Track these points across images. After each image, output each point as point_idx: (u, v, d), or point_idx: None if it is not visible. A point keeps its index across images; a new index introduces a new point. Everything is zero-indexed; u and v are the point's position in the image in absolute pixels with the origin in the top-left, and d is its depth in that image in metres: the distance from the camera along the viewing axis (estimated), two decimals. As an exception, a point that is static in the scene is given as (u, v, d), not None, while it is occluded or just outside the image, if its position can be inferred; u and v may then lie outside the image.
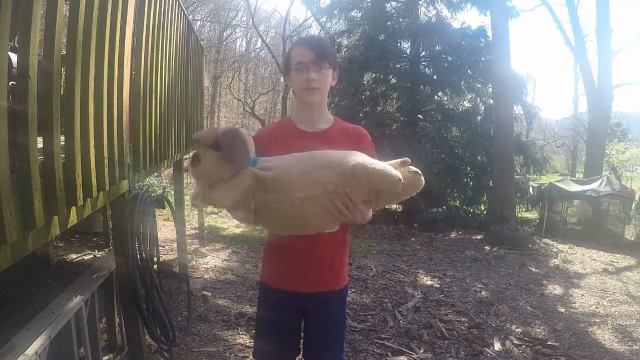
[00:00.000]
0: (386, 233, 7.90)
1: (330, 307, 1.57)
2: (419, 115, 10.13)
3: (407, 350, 3.28)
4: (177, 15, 3.57)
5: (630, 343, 3.67)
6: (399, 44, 10.36)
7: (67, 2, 1.59)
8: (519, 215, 9.72)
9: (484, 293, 4.81)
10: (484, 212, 9.33)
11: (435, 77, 10.03)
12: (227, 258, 5.58)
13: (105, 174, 1.89)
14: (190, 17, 12.32)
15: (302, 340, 1.63)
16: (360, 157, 1.22)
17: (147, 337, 2.54)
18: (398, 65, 10.40)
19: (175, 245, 5.33)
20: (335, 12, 10.78)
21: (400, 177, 1.16)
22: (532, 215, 10.20)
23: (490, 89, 9.57)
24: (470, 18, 45.99)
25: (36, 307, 2.32)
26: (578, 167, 22.06)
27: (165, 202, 2.78)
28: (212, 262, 5.30)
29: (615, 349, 3.55)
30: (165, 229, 6.59)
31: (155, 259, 2.54)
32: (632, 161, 15.09)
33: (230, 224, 7.53)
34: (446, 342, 3.46)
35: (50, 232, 1.43)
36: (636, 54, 62.57)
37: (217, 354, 3.04)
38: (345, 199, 1.17)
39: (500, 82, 8.46)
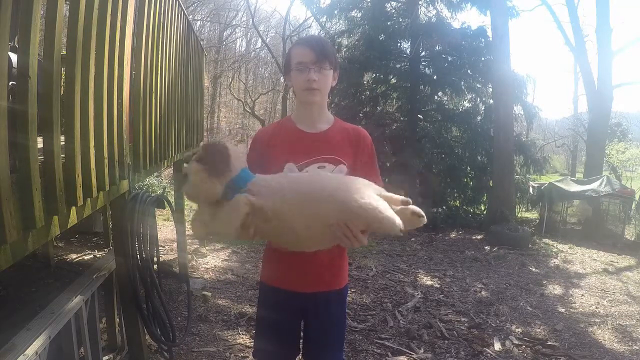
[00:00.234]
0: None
1: (330, 307, 1.57)
2: (419, 115, 10.13)
3: (407, 350, 3.28)
4: (177, 15, 3.57)
5: (630, 343, 3.67)
6: (399, 44, 10.35)
7: (67, 2, 1.59)
8: (519, 215, 9.72)
9: (484, 293, 4.81)
10: (484, 212, 9.34)
11: (435, 77, 10.02)
12: (227, 258, 5.58)
13: (105, 174, 1.88)
14: (190, 17, 12.31)
15: (302, 340, 1.63)
16: (362, 194, 1.22)
17: (147, 337, 2.55)
18: (398, 65, 10.40)
19: (175, 245, 5.33)
20: (335, 12, 10.77)
21: (401, 225, 1.19)
22: (532, 215, 10.20)
23: (490, 89, 9.57)
24: (470, 18, 46.04)
25: (36, 307, 2.31)
26: (578, 167, 22.06)
27: (165, 202, 2.79)
28: (212, 262, 5.30)
29: (615, 349, 3.55)
30: (165, 229, 6.59)
31: (155, 259, 2.54)
32: (632, 161, 15.09)
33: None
34: (446, 342, 3.46)
35: (50, 232, 1.43)
36: (636, 54, 62.63)
37: (217, 354, 3.04)
38: (346, 230, 1.21)
39: (500, 82, 8.46)
